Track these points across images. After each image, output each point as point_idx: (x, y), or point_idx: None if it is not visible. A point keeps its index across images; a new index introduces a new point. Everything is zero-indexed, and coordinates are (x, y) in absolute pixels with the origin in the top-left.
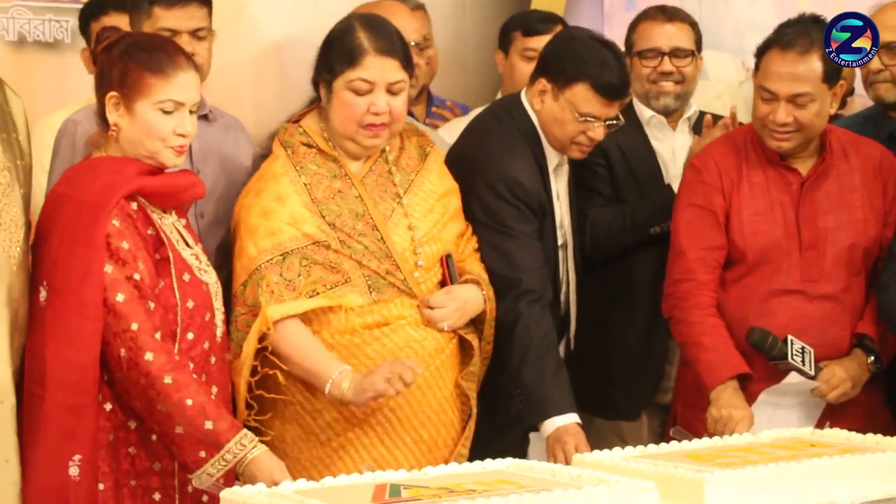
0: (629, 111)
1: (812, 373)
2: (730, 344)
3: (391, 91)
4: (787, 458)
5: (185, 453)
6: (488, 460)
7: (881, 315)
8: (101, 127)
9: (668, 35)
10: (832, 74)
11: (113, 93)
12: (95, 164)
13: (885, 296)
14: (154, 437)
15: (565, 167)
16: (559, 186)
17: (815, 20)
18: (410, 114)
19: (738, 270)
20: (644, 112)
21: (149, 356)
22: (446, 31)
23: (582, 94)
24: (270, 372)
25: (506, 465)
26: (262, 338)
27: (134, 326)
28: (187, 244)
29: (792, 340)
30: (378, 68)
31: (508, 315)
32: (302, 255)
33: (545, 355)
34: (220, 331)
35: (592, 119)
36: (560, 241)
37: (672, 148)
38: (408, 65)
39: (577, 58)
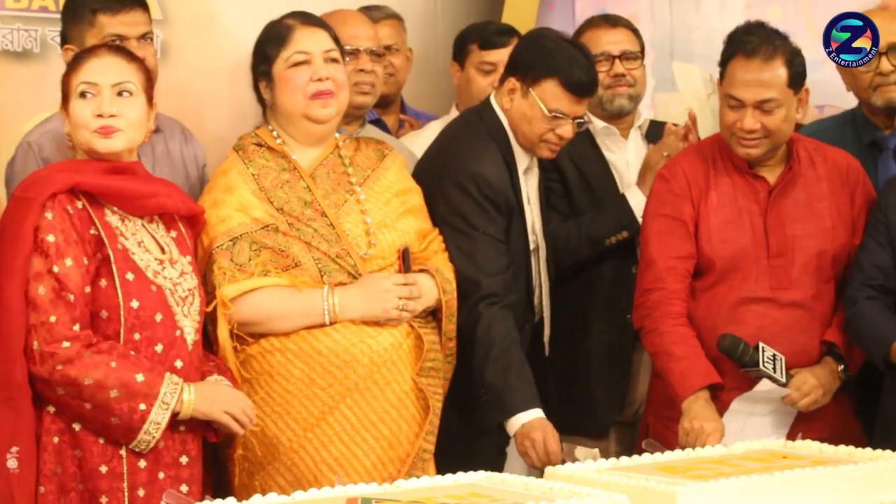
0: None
1: (783, 380)
2: (701, 354)
3: (328, 59)
4: (760, 470)
5: (126, 416)
6: (460, 473)
7: (848, 328)
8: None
9: (615, 40)
10: (797, 80)
11: (60, 109)
12: (52, 165)
13: (853, 309)
14: (87, 427)
15: (535, 170)
16: (529, 189)
17: (763, 27)
18: (382, 124)
19: (708, 279)
20: (595, 123)
21: (66, 344)
22: (418, 40)
23: (551, 91)
24: (248, 346)
25: (478, 478)
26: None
27: (52, 318)
28: (162, 250)
29: (763, 348)
30: (309, 38)
31: (470, 317)
32: (251, 240)
33: (507, 353)
34: (189, 337)
35: (561, 116)
36: (532, 246)
37: (626, 158)
38: (337, 41)
39: (546, 55)
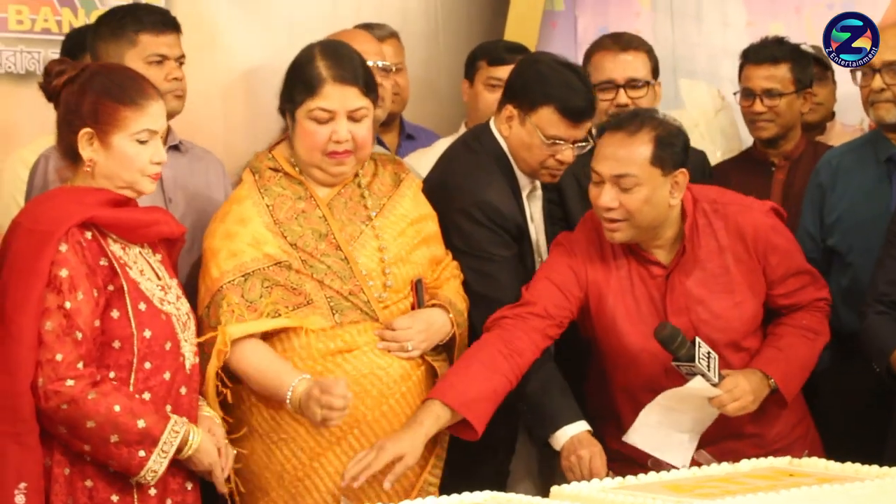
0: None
1: (716, 379)
2: (469, 378)
3: (353, 118)
4: (766, 488)
5: (124, 460)
6: (465, 493)
7: (859, 344)
8: (67, 162)
9: (622, 66)
10: (665, 160)
11: (87, 129)
12: (56, 194)
13: (862, 325)
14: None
15: (539, 192)
16: (534, 211)
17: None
18: (381, 144)
19: (613, 365)
20: None
21: (69, 382)
22: (419, 59)
23: (548, 118)
24: (228, 389)
25: (483, 498)
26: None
27: (59, 357)
28: (157, 276)
29: (699, 343)
30: (337, 97)
31: None
32: (263, 277)
33: (544, 366)
34: (188, 362)
35: (560, 142)
36: (538, 266)
37: None
38: (369, 91)
39: (541, 81)
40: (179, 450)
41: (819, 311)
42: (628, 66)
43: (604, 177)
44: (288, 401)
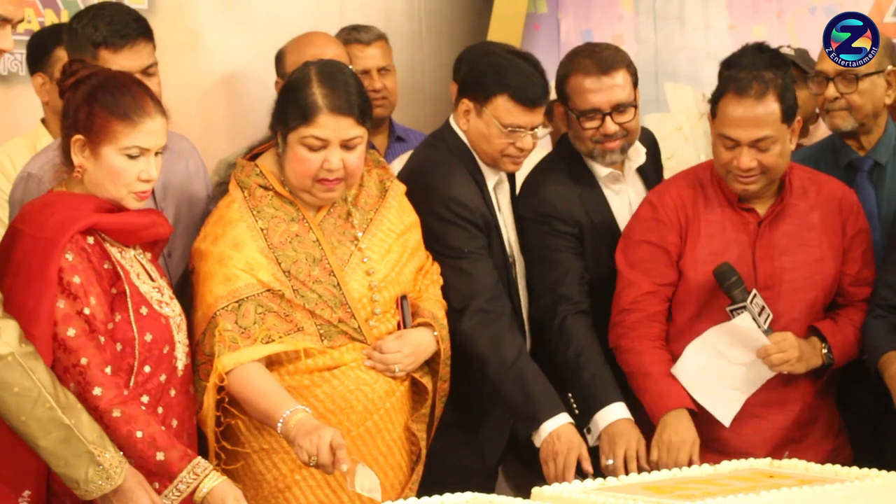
0: (584, 168)
1: (765, 327)
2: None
3: (346, 146)
4: (747, 489)
5: None
6: (447, 494)
7: (860, 344)
8: (64, 162)
9: (605, 91)
10: (789, 113)
11: (79, 136)
12: (53, 199)
13: (862, 325)
14: None
15: (505, 185)
16: (501, 202)
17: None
18: (372, 145)
19: (694, 308)
20: (598, 170)
21: (97, 391)
22: (403, 60)
23: (503, 106)
24: (233, 422)
25: (465, 499)
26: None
27: (83, 361)
28: (150, 277)
29: (756, 293)
30: (332, 127)
31: (473, 332)
32: (257, 303)
33: (517, 362)
34: (181, 363)
35: (517, 129)
36: (510, 260)
37: (628, 199)
38: (364, 119)
39: (493, 71)
40: (193, 490)
41: (863, 311)
42: (612, 91)
43: (741, 142)
44: (280, 426)
